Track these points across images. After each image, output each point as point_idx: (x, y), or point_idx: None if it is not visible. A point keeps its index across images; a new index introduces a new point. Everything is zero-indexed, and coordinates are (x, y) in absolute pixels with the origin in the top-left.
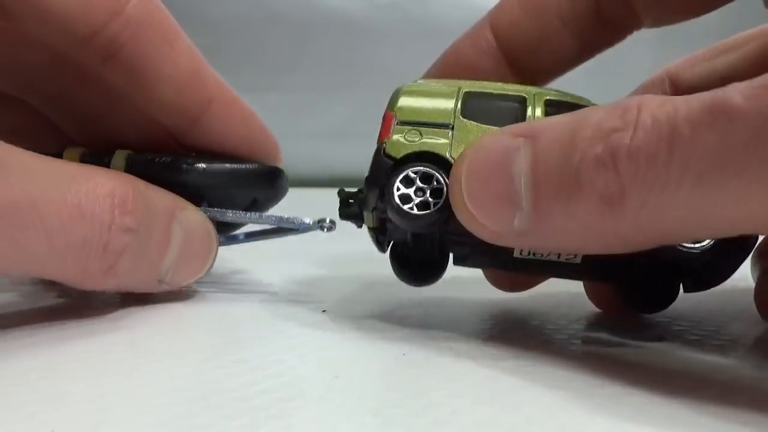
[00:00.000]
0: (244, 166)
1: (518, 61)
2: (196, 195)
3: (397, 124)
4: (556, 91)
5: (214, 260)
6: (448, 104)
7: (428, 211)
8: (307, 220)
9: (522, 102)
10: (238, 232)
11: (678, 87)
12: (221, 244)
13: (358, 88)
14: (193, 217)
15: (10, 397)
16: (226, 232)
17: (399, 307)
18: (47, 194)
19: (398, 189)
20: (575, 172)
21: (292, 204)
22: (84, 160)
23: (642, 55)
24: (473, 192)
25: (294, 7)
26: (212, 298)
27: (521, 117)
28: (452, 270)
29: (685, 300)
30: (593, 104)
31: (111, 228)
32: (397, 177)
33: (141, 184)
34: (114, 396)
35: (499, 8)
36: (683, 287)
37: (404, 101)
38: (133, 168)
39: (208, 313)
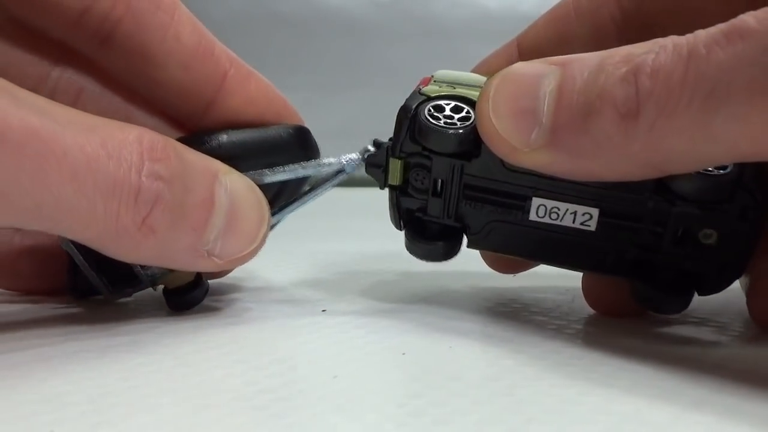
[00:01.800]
0: (270, 131)
1: None
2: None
3: (433, 82)
4: None
5: (266, 233)
6: (482, 78)
7: (455, 127)
8: (353, 156)
9: None
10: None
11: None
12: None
13: (359, 88)
14: (240, 182)
15: (10, 397)
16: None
17: (399, 306)
18: (68, 130)
19: (429, 111)
20: (599, 90)
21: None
22: None
23: None
24: (499, 105)
25: (295, 7)
26: (211, 298)
27: None
28: (453, 269)
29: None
30: None
31: (141, 172)
32: (429, 103)
33: (173, 140)
34: (114, 396)
35: (528, 30)
36: (698, 291)
37: (441, 72)
38: None
39: (208, 314)
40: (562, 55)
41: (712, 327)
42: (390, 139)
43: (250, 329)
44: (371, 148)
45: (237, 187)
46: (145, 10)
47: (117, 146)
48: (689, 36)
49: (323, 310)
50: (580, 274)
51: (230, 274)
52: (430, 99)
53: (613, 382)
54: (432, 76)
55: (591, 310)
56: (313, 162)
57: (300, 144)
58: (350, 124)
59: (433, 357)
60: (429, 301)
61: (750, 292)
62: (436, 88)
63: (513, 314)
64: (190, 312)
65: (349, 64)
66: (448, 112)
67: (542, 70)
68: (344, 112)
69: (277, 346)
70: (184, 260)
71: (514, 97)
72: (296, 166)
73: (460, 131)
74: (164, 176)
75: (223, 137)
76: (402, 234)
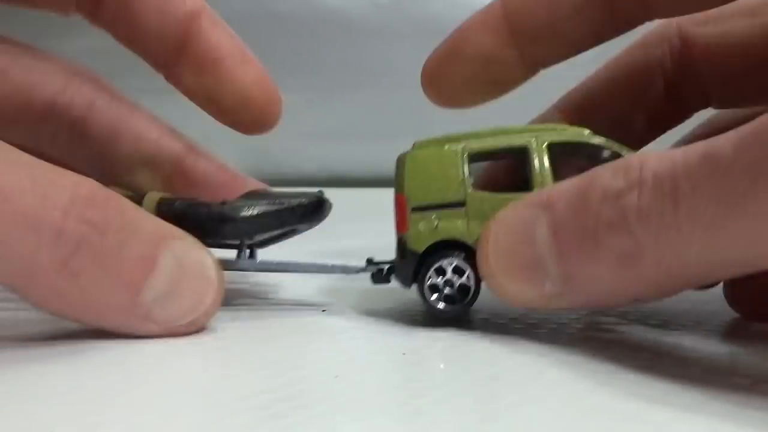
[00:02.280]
0: (289, 204)
1: (526, 45)
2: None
3: (411, 212)
4: (553, 128)
5: (214, 304)
6: (456, 174)
7: (454, 306)
8: (358, 265)
9: (524, 152)
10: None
11: (689, 47)
12: (246, 269)
13: (358, 88)
14: (194, 250)
15: (11, 397)
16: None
17: (399, 307)
18: (3, 165)
19: (429, 278)
20: (592, 235)
21: None
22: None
23: None
24: (501, 264)
25: (294, 7)
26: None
27: (529, 172)
28: None
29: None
30: (590, 136)
31: (68, 213)
32: (426, 275)
33: (121, 197)
34: (114, 396)
35: None
36: None
37: (412, 180)
38: (165, 212)
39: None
40: (549, 17)
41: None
42: (391, 263)
43: (251, 330)
44: (371, 268)
45: (188, 256)
46: None
47: (47, 185)
48: (667, 164)
49: (323, 310)
50: None
51: (230, 275)
52: (423, 260)
53: (617, 382)
54: (406, 199)
55: (590, 309)
56: (319, 264)
57: (315, 217)
58: (349, 125)
59: (433, 357)
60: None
61: (726, 281)
62: (420, 229)
63: (512, 315)
64: None
65: (349, 65)
66: (449, 275)
67: (528, 216)
68: (344, 112)
69: (277, 347)
70: (117, 319)
71: (512, 253)
72: (306, 265)
73: (458, 309)
74: (96, 223)
75: (245, 215)
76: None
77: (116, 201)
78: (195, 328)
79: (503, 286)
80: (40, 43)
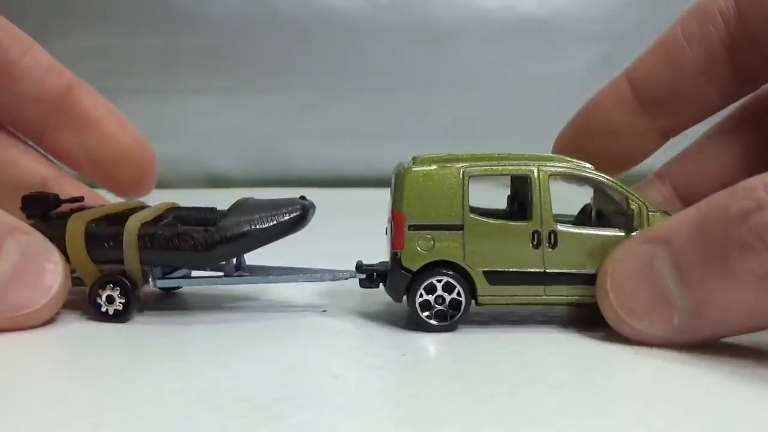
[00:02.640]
0: (277, 220)
1: (655, 113)
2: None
3: (408, 229)
4: (557, 159)
5: (58, 297)
6: (456, 196)
7: (455, 319)
8: (345, 272)
9: (526, 181)
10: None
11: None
12: (235, 280)
13: (358, 89)
14: (39, 243)
15: (11, 397)
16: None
17: (399, 307)
18: None
19: (421, 296)
20: (723, 261)
21: None
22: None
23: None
24: (624, 303)
25: (294, 8)
26: (212, 299)
27: (530, 201)
28: None
29: None
30: (591, 170)
31: None
32: (417, 294)
33: None
34: (114, 396)
35: (636, 63)
36: None
37: (410, 198)
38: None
39: (208, 315)
40: (675, 83)
41: None
42: (379, 267)
43: (251, 330)
44: (360, 275)
45: (31, 248)
46: (5, 42)
47: None
48: None
49: (323, 311)
50: None
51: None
52: (415, 278)
53: (618, 383)
54: (403, 216)
55: (574, 316)
56: (309, 272)
57: (301, 225)
58: (349, 125)
59: (433, 358)
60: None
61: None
62: (416, 248)
63: (510, 318)
64: (191, 314)
65: (348, 65)
66: (439, 291)
67: (646, 253)
68: (344, 112)
69: (277, 347)
70: None
71: (635, 291)
72: (296, 275)
73: (449, 326)
74: None
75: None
76: None
77: None
78: (35, 321)
79: (628, 323)
80: (41, 43)
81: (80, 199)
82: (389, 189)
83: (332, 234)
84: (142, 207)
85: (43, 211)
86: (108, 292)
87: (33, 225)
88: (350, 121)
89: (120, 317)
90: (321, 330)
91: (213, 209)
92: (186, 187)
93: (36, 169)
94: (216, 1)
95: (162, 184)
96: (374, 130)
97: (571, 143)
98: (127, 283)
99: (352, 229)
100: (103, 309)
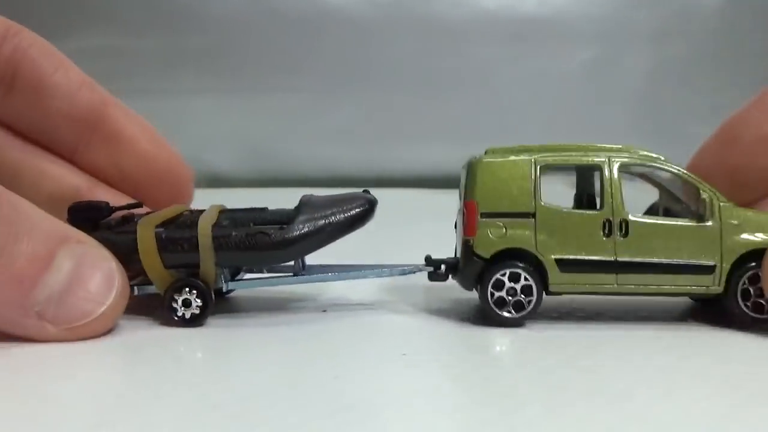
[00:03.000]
0: (342, 217)
1: None
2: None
3: (481, 217)
4: (627, 150)
5: (115, 307)
6: (528, 185)
7: (523, 313)
8: (413, 267)
9: (597, 171)
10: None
11: None
12: (297, 279)
13: (359, 88)
14: (94, 253)
15: (11, 397)
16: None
17: (399, 308)
18: None
19: (492, 295)
20: None
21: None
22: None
23: (642, 54)
24: None
25: (295, 7)
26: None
27: (601, 191)
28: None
29: None
30: (662, 160)
31: None
32: (489, 282)
33: (13, 194)
34: (114, 396)
35: None
36: None
37: (483, 187)
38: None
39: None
40: None
41: None
42: (452, 260)
43: (251, 330)
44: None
45: (88, 258)
46: (38, 57)
47: None
48: None
49: (324, 311)
50: None
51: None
52: (487, 268)
53: (618, 382)
54: (476, 204)
55: (576, 322)
56: (375, 267)
57: (367, 218)
58: (350, 125)
59: (433, 358)
60: (429, 303)
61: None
62: (488, 235)
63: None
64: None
65: (349, 65)
66: (508, 284)
67: None
68: (344, 112)
69: (277, 347)
70: (8, 314)
71: None
72: (357, 268)
73: (526, 315)
74: None
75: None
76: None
77: (8, 196)
78: (94, 332)
79: None
80: None
81: (138, 205)
82: (458, 185)
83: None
84: (191, 211)
85: (94, 220)
86: (184, 296)
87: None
88: (350, 121)
89: (196, 321)
90: (321, 330)
91: (264, 209)
92: None
93: (68, 179)
94: (217, 1)
95: None
96: (374, 130)
97: (717, 158)
98: (204, 286)
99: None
100: (180, 313)
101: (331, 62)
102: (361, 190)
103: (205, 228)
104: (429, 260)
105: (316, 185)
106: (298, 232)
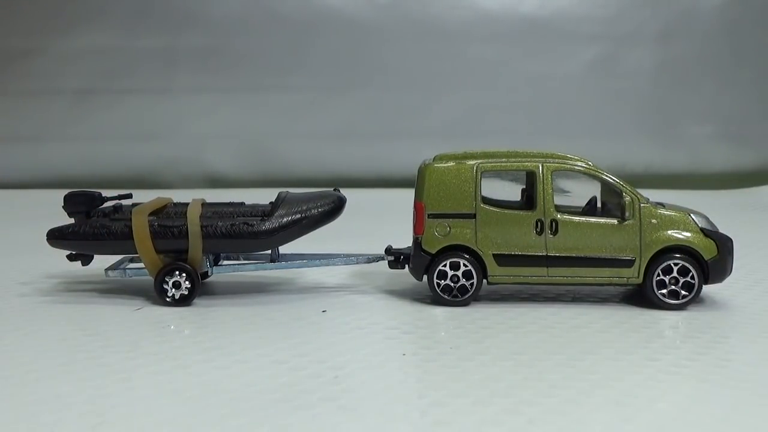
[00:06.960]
0: (315, 211)
1: None
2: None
3: (428, 217)
4: (561, 157)
5: None
6: (470, 189)
7: (467, 296)
8: (373, 256)
9: (532, 176)
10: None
11: None
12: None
13: (358, 88)
14: None
15: (11, 397)
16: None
17: (398, 307)
18: None
19: (438, 285)
20: None
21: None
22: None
23: (642, 55)
24: None
25: (294, 8)
26: (212, 299)
27: (534, 193)
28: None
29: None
30: (593, 168)
31: None
32: (433, 274)
33: None
34: (114, 396)
35: None
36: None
37: (430, 190)
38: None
39: (208, 315)
40: None
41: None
42: (406, 251)
43: (250, 330)
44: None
45: None
46: None
47: None
48: None
49: (323, 311)
50: None
51: (229, 276)
52: (432, 261)
53: (617, 380)
54: (424, 206)
55: (576, 313)
56: (343, 256)
57: (336, 215)
58: (349, 125)
59: (434, 358)
60: (429, 303)
61: None
62: (434, 233)
63: (508, 319)
64: (191, 314)
65: (348, 65)
66: (450, 272)
67: None
68: (344, 112)
69: (277, 347)
70: None
71: None
72: (330, 258)
73: (471, 295)
74: None
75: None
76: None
77: None
78: None
79: None
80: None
81: (128, 196)
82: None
83: (332, 234)
84: (174, 204)
85: (88, 208)
86: (175, 279)
87: (77, 222)
88: (350, 121)
89: (185, 301)
90: (321, 330)
91: (241, 203)
92: (186, 187)
93: None
94: (216, 1)
95: (162, 184)
96: (374, 130)
97: None
98: (193, 270)
99: (351, 230)
100: (170, 294)
101: (331, 62)
102: (332, 189)
103: (194, 217)
104: (389, 251)
105: (315, 185)
106: (278, 223)
